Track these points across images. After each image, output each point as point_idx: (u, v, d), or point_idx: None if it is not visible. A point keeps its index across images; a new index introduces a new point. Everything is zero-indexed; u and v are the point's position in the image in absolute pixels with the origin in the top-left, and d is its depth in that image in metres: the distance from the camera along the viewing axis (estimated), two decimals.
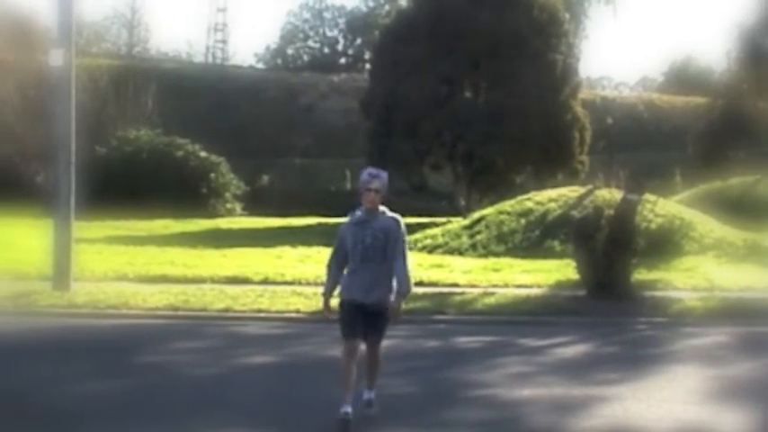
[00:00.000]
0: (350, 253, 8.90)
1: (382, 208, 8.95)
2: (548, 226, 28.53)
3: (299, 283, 19.05)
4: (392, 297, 8.90)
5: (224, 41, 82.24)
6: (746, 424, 9.60)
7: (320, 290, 9.32)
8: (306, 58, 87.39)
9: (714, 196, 35.27)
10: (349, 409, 8.57)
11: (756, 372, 12.46)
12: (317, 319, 8.72)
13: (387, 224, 8.91)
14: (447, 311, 16.61)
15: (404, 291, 8.93)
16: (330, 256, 9.17)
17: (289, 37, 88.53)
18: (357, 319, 8.83)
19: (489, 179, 41.68)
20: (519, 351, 13.84)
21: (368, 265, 8.83)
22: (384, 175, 8.92)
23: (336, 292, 9.15)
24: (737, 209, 30.73)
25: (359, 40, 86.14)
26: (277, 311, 16.33)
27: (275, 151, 58.07)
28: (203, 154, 48.32)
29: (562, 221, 27.45)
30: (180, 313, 16.21)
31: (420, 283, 18.80)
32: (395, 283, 8.89)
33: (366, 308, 8.82)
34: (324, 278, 9.35)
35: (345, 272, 9.03)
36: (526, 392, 10.67)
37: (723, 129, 44.44)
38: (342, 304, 8.99)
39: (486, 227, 29.47)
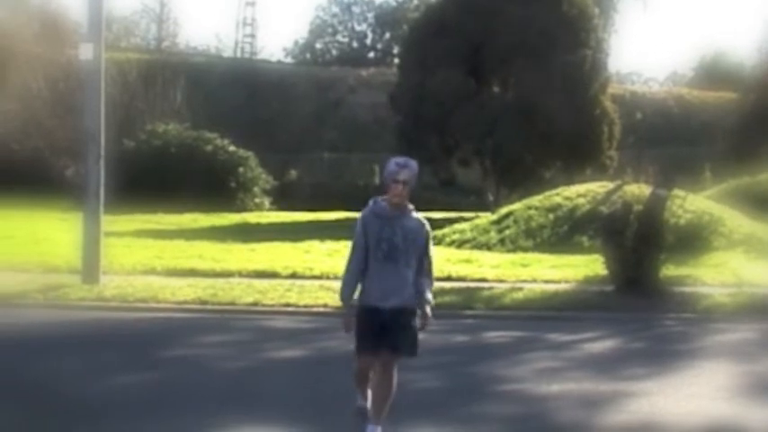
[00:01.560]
0: (371, 249, 7.84)
1: (409, 205, 7.96)
2: (576, 221, 28.42)
3: (328, 278, 18.97)
4: (414, 301, 7.96)
5: (253, 36, 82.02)
6: None
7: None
8: (334, 52, 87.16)
9: (743, 192, 34.91)
10: (366, 404, 8.24)
11: None
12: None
13: (415, 226, 7.91)
14: (475, 306, 16.60)
15: (430, 299, 8.04)
16: (351, 253, 7.99)
17: (317, 31, 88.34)
18: (373, 330, 7.83)
19: (517, 174, 41.52)
20: (547, 346, 13.82)
21: (390, 267, 7.81)
22: (413, 164, 7.84)
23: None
24: (767, 204, 30.46)
25: (388, 35, 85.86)
26: (305, 306, 16.36)
27: (304, 145, 58.05)
28: (232, 148, 48.29)
29: (591, 217, 27.33)
30: (208, 307, 16.26)
31: (448, 278, 18.83)
32: (413, 289, 7.93)
33: (381, 314, 7.81)
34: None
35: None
36: (554, 387, 10.66)
37: (754, 124, 44.19)
38: (359, 312, 7.94)
39: (515, 222, 29.37)
